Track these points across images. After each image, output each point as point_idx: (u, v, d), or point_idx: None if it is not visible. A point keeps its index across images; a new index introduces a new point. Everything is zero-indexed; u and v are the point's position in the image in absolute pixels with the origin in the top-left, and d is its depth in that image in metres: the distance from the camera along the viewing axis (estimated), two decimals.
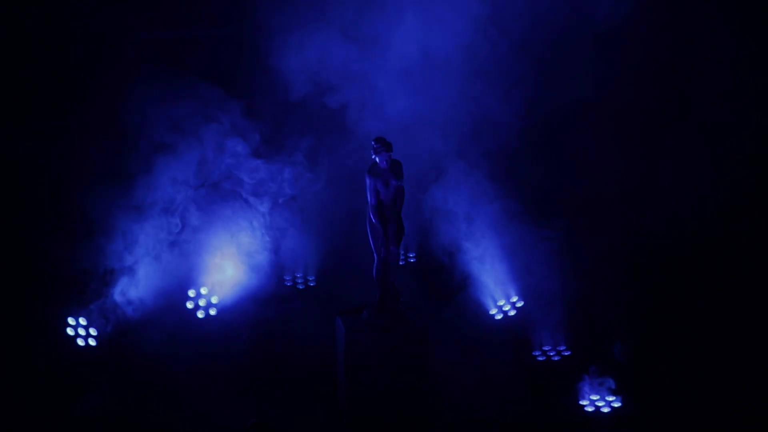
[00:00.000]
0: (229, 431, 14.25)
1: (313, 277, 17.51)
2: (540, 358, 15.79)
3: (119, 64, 17.32)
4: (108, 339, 15.64)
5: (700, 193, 17.47)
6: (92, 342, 15.57)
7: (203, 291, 16.10)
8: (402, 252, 15.26)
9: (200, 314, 15.87)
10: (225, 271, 16.31)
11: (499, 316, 16.40)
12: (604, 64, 17.81)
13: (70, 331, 15.57)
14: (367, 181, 14.31)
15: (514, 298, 16.46)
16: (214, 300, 16.13)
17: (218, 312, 16.08)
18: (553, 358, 15.79)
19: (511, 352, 15.83)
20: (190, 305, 15.76)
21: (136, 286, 15.73)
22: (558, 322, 15.83)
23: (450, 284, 16.62)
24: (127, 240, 15.88)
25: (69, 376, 15.26)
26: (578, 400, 14.89)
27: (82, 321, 15.52)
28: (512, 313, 16.43)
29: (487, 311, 16.32)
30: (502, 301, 16.42)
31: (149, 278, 15.75)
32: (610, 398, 14.86)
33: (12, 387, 15.00)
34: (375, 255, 14.54)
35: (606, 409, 14.83)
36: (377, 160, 14.29)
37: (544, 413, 14.75)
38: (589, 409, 14.86)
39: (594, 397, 14.90)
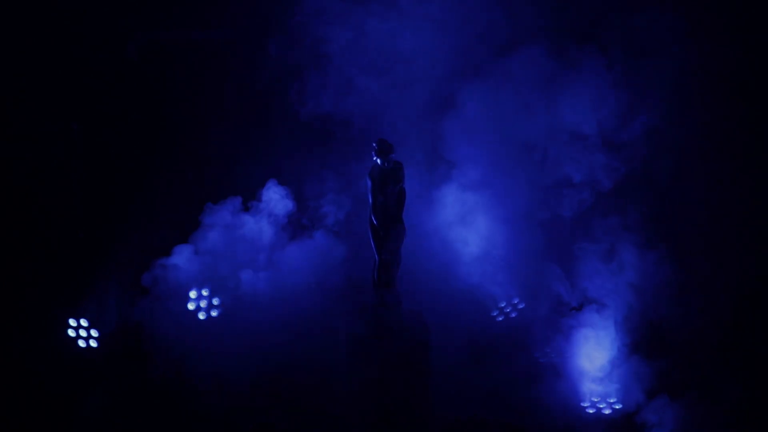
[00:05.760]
0: None
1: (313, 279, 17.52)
2: (541, 360, 15.83)
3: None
4: (110, 340, 15.66)
5: None
6: (93, 343, 15.58)
7: (204, 292, 16.10)
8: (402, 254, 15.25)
9: (201, 315, 15.87)
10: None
11: (500, 318, 16.42)
12: None
13: (71, 332, 15.58)
14: (368, 182, 14.34)
15: (515, 300, 16.47)
16: (215, 301, 16.14)
17: (221, 312, 16.07)
18: (554, 360, 15.82)
19: (511, 354, 15.85)
20: (191, 306, 15.76)
21: (139, 285, 15.73)
22: (559, 323, 15.88)
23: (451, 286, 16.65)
24: (131, 240, 15.90)
25: (69, 377, 15.29)
26: (579, 402, 14.94)
27: (83, 322, 15.54)
28: (513, 315, 16.46)
29: (488, 313, 16.33)
30: (503, 303, 16.46)
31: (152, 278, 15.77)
32: (611, 399, 14.89)
33: (12, 388, 15.03)
34: (376, 257, 14.55)
35: (607, 411, 14.87)
36: (378, 161, 14.30)
37: (544, 414, 14.78)
38: (591, 410, 14.90)
39: (595, 399, 14.93)
